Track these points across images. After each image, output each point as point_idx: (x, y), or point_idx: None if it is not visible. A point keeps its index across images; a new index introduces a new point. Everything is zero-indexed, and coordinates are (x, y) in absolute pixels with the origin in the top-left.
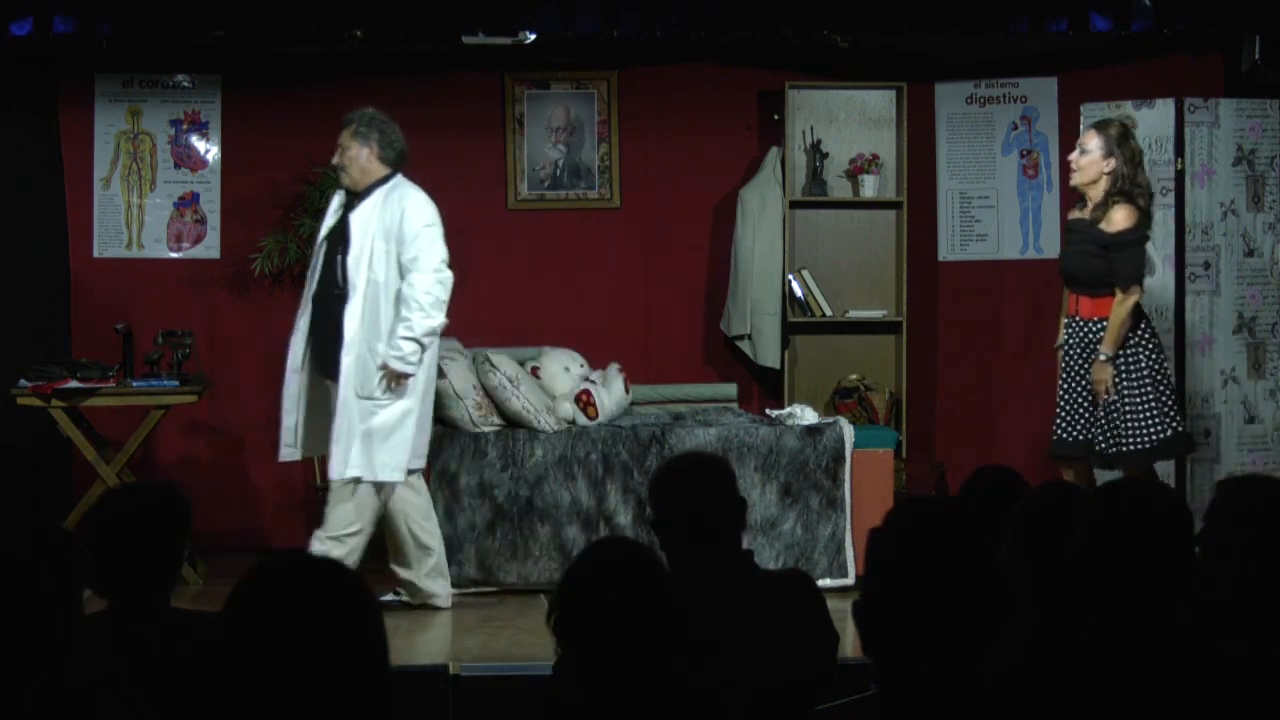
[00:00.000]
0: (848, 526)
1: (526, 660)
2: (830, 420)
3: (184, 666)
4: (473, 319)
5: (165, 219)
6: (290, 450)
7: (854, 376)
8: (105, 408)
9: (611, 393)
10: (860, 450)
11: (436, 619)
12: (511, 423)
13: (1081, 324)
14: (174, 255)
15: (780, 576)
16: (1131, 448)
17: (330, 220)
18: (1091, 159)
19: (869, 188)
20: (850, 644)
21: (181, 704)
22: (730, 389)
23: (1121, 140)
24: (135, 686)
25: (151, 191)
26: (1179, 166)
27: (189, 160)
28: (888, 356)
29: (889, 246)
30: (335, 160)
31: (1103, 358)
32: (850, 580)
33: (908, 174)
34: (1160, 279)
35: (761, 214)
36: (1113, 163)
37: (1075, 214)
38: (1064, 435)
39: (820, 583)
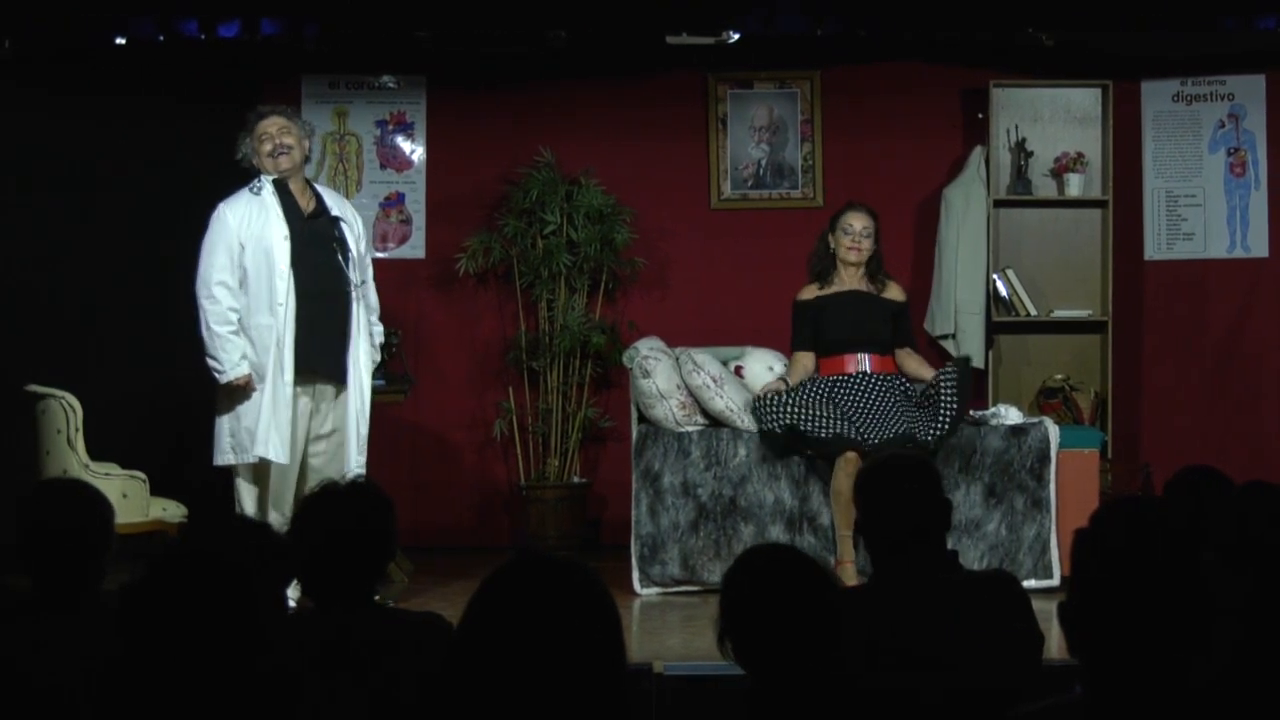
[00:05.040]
0: (1053, 527)
1: (730, 660)
2: (1035, 420)
3: (388, 663)
4: (676, 319)
5: (371, 219)
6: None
7: (1059, 376)
8: None
9: None
10: (1065, 450)
11: (640, 618)
12: (715, 422)
13: (875, 377)
14: (380, 255)
15: (985, 577)
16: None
17: (278, 213)
18: (871, 241)
19: (1074, 186)
20: (1055, 646)
21: (387, 699)
22: None
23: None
24: (342, 682)
25: (358, 192)
26: None
27: (394, 161)
28: (1093, 356)
29: (1094, 245)
30: (289, 141)
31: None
32: (1055, 582)
33: (1113, 172)
34: None
35: (965, 213)
36: (876, 246)
37: (829, 289)
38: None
39: (1025, 584)
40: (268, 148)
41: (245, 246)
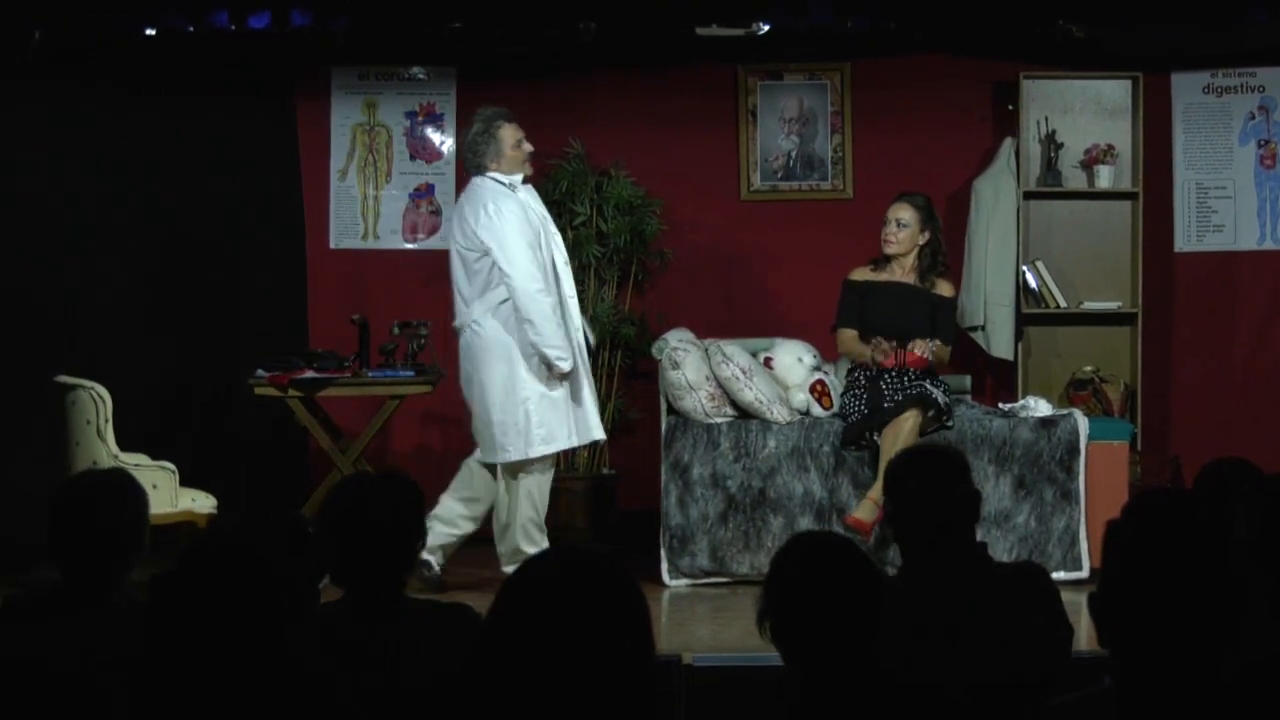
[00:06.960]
0: (1082, 519)
1: (759, 651)
2: (1064, 412)
3: (420, 654)
4: (705, 310)
5: (401, 210)
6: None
7: (1088, 368)
8: (341, 398)
9: None
10: (1095, 442)
11: (669, 610)
12: (744, 414)
13: (909, 373)
14: (409, 246)
15: (1014, 569)
16: None
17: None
18: (910, 232)
19: (1104, 178)
20: (1084, 637)
21: (419, 690)
22: (963, 380)
23: (932, 212)
24: (372, 673)
25: (387, 183)
26: None
27: (424, 152)
28: (1123, 348)
29: (1124, 237)
30: (529, 150)
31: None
32: (1085, 573)
33: (1144, 164)
34: None
35: (995, 205)
36: (928, 235)
37: (880, 275)
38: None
39: (1054, 575)
40: (526, 151)
41: (540, 242)
